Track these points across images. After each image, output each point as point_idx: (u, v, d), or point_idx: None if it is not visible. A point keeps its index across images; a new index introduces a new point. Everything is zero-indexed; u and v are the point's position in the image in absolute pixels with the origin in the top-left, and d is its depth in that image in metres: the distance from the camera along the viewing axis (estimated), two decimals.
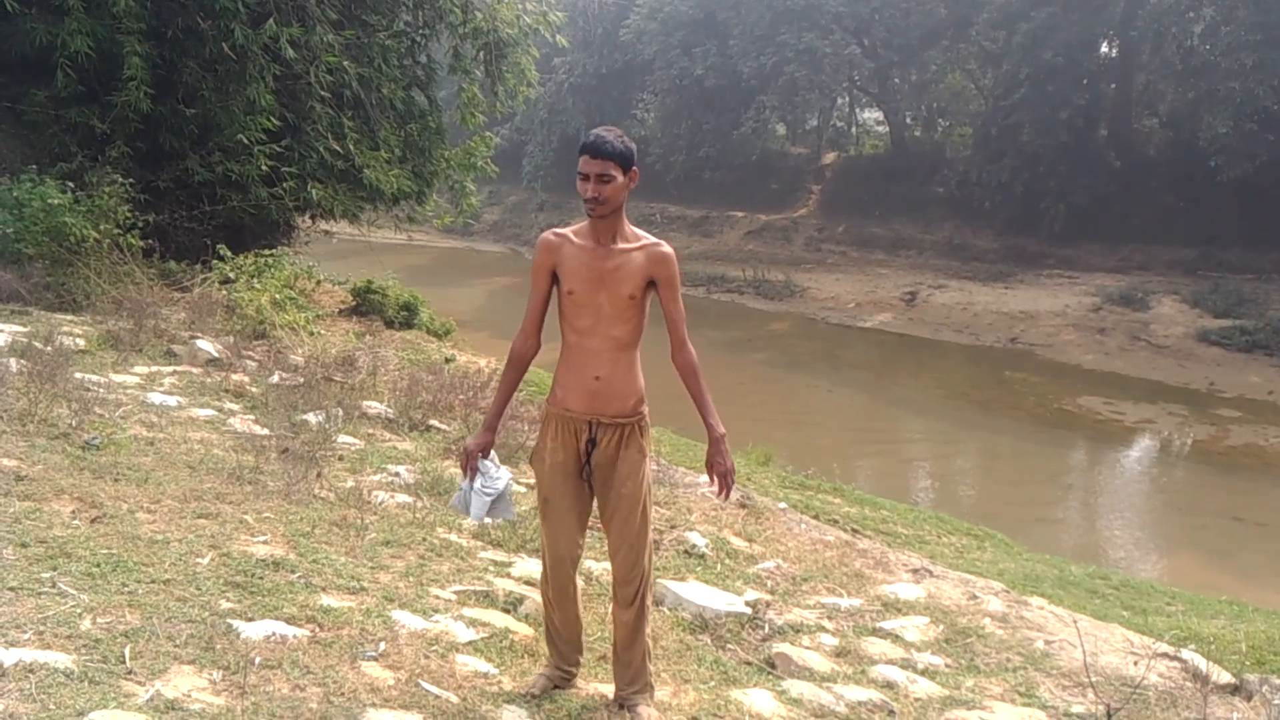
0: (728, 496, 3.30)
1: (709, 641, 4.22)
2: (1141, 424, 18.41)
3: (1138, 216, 27.99)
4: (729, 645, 4.24)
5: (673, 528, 5.66)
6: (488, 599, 4.06)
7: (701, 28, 34.93)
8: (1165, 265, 26.69)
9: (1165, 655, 4.65)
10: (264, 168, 10.58)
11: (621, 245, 3.18)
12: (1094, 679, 4.01)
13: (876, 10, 32.26)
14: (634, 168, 3.16)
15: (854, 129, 42.01)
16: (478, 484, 3.28)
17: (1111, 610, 6.45)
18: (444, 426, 7.02)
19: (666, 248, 3.22)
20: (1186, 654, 4.69)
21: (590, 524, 3.41)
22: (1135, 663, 4.39)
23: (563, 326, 3.28)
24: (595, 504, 3.31)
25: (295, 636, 3.29)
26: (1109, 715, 3.31)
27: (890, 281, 29.28)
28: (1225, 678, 4.48)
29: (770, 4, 32.03)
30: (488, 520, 3.40)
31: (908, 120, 37.79)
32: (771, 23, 32.15)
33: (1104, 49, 30.77)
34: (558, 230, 3.29)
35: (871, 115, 41.97)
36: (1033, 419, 18.57)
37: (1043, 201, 28.33)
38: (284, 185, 10.83)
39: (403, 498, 5.18)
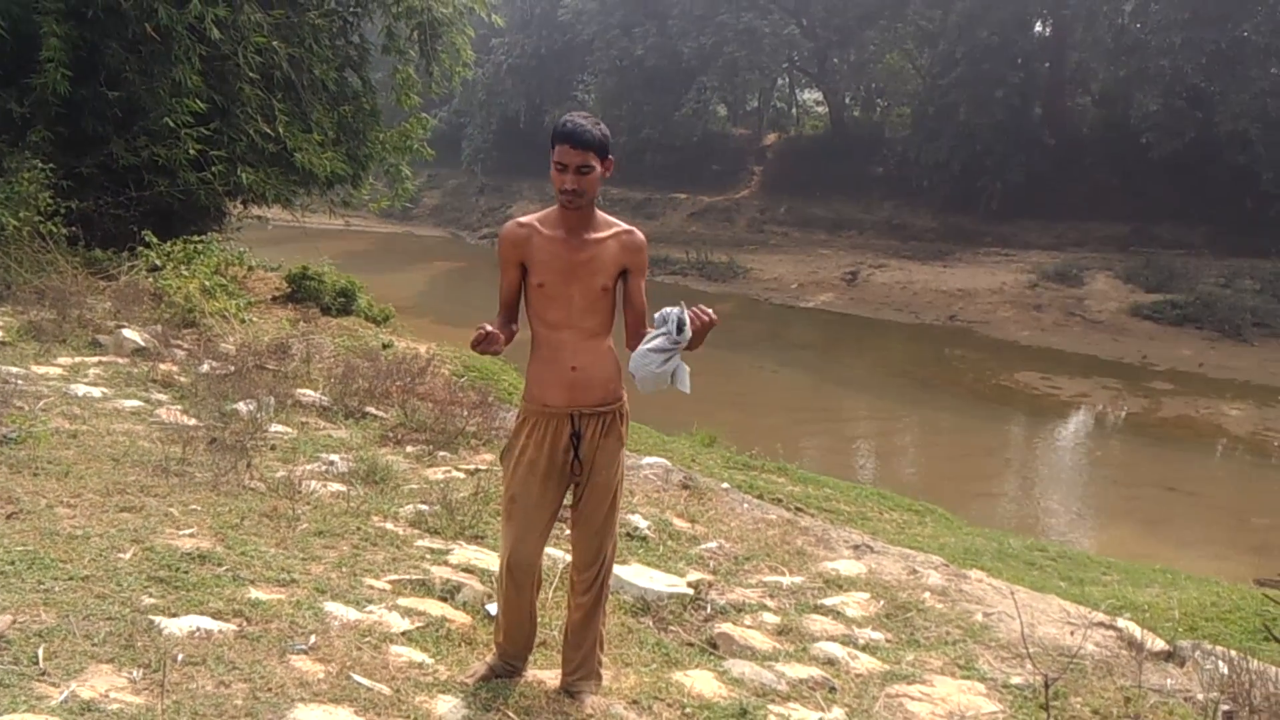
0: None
1: (651, 624, 4.18)
2: (1077, 398, 18.76)
3: (1072, 194, 28.48)
4: (671, 627, 4.21)
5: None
6: (424, 588, 3.98)
7: (640, 7, 34.78)
8: (1099, 242, 27.21)
9: (1101, 625, 4.71)
10: (192, 151, 10.28)
11: (593, 235, 3.05)
12: (1031, 650, 4.04)
13: None
14: (610, 157, 3.03)
15: (794, 109, 42.21)
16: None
17: (1049, 581, 6.55)
18: (381, 413, 6.89)
19: (639, 235, 3.11)
20: (1122, 623, 4.76)
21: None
22: (1072, 633, 4.44)
23: (531, 320, 3.14)
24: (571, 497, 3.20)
25: (221, 631, 3.19)
26: (1047, 685, 3.33)
27: (832, 261, 29.49)
28: (1159, 645, 4.55)
29: None
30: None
31: (847, 100, 38.04)
32: (710, 3, 32.14)
33: (1038, 28, 31.23)
34: (522, 220, 3.11)
35: (811, 96, 42.20)
36: (972, 395, 18.84)
37: (980, 180, 28.70)
38: (213, 169, 10.55)
39: (336, 487, 5.06)
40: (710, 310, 2.92)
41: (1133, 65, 26.59)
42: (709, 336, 2.98)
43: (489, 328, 2.93)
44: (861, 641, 4.25)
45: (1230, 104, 23.96)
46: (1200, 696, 3.82)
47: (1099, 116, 31.13)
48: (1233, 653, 4.22)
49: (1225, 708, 3.63)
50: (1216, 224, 25.71)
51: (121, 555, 3.66)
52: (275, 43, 10.94)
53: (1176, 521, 12.29)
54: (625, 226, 3.11)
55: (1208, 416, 17.36)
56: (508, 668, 3.31)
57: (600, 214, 3.11)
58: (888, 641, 4.31)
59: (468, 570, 4.27)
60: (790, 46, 33.23)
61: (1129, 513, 12.60)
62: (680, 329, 2.87)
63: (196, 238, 10.11)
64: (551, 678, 3.40)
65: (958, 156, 28.69)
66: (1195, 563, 9.71)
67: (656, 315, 2.96)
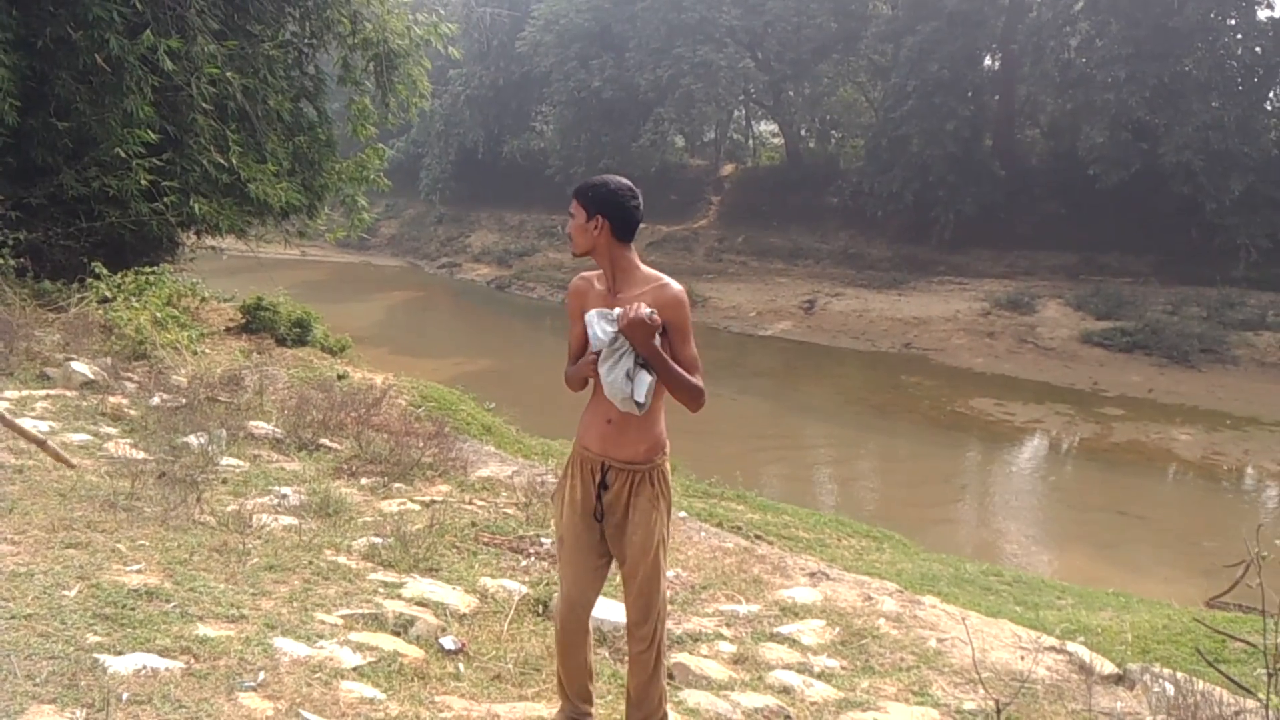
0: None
1: (607, 655, 4.16)
2: (1031, 424, 19.00)
3: (1022, 224, 29.01)
4: (627, 658, 4.19)
5: None
6: (376, 622, 3.94)
7: (598, 40, 35.01)
8: (1049, 270, 27.69)
9: (1053, 649, 4.77)
10: (144, 182, 10.17)
11: (633, 290, 3.06)
12: (984, 675, 4.08)
13: (769, 24, 32.77)
14: (599, 214, 3.08)
15: (750, 141, 42.63)
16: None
17: (1004, 606, 6.61)
18: (335, 445, 6.83)
19: (675, 288, 3.07)
20: (1072, 647, 4.82)
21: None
22: (1023, 657, 4.49)
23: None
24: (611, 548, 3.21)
25: (168, 669, 3.14)
26: (999, 710, 3.36)
27: (789, 290, 29.74)
28: (1109, 668, 4.61)
29: (665, 17, 32.29)
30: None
31: (802, 133, 38.51)
32: (667, 35, 32.43)
33: (987, 62, 31.86)
34: (585, 275, 3.21)
35: (767, 127, 42.66)
36: (928, 422, 19.02)
37: (932, 210, 29.12)
38: (165, 200, 10.43)
39: (288, 520, 5.00)
40: (646, 309, 2.95)
41: (1079, 98, 27.20)
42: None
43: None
44: (817, 669, 4.26)
45: (1174, 136, 24.56)
46: (1148, 719, 3.86)
47: (1047, 148, 31.77)
48: (1180, 675, 4.29)
49: None
50: (1163, 253, 26.28)
51: (66, 592, 3.59)
52: (229, 73, 10.88)
53: (1129, 545, 12.46)
54: (662, 281, 3.09)
55: (1158, 441, 17.66)
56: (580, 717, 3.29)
57: (643, 269, 3.13)
58: (843, 669, 4.33)
59: (421, 604, 4.23)
60: (746, 79, 33.59)
61: (1082, 537, 12.75)
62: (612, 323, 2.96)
63: (148, 269, 9.99)
64: (505, 711, 3.37)
65: (911, 187, 29.10)
66: (1147, 586, 9.84)
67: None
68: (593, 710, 3.33)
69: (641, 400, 2.98)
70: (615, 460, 3.10)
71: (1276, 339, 22.49)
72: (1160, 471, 16.37)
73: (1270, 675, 2.42)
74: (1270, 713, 2.41)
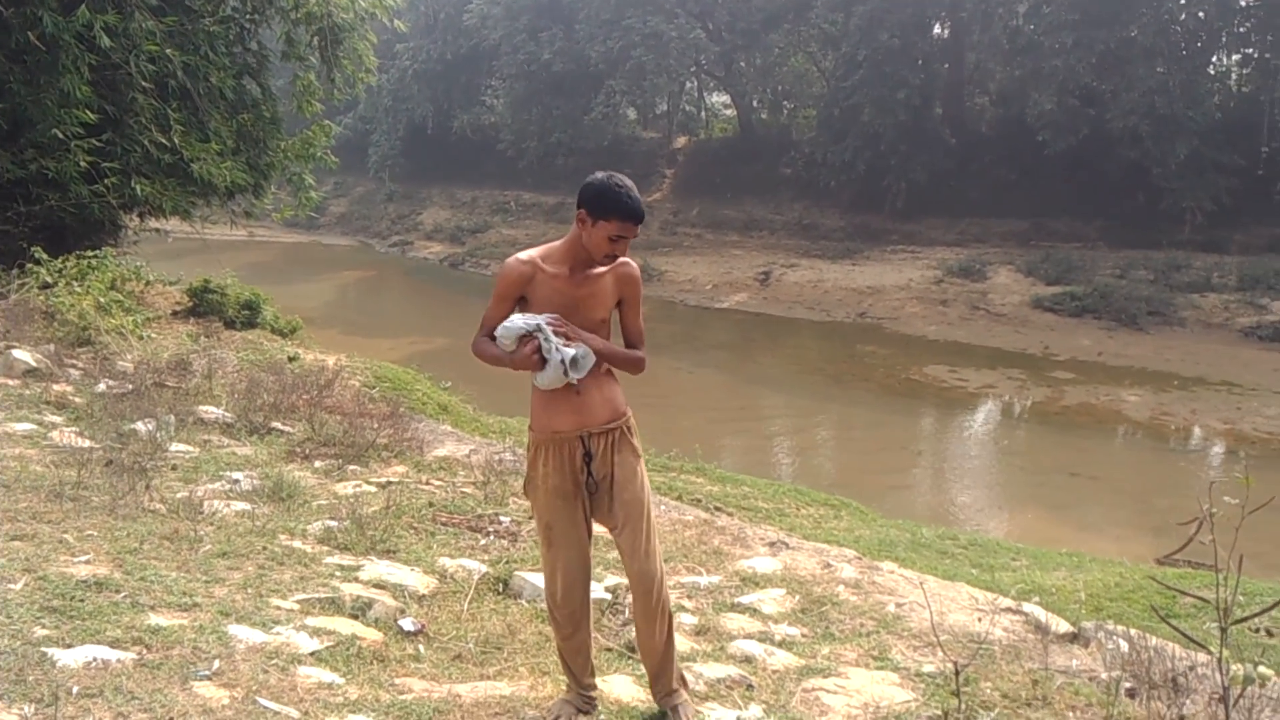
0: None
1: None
2: (984, 389, 19.26)
3: (973, 191, 29.27)
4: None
5: (531, 518, 5.56)
6: (334, 606, 3.89)
7: (547, 12, 34.69)
8: (1000, 237, 28.00)
9: (1009, 610, 4.83)
10: (83, 164, 9.92)
11: (594, 271, 3.11)
12: (942, 638, 4.11)
13: None
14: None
15: (703, 113, 42.56)
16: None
17: (961, 569, 6.70)
18: (287, 428, 6.73)
19: (633, 267, 3.20)
20: (1028, 607, 4.89)
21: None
22: (980, 619, 4.54)
23: None
24: (602, 519, 3.22)
25: (119, 661, 3.07)
26: (957, 672, 3.39)
27: (745, 262, 29.80)
28: (1064, 628, 4.68)
29: None
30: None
31: (754, 103, 38.48)
32: (617, 7, 32.20)
33: (936, 30, 32.03)
34: (524, 257, 3.13)
35: (719, 99, 42.62)
36: (883, 390, 19.21)
37: (884, 179, 29.29)
38: (106, 182, 10.19)
39: (241, 505, 4.92)
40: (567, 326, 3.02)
41: (1027, 65, 27.44)
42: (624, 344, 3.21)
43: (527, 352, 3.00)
44: (778, 638, 4.28)
45: (1120, 101, 24.88)
46: (1104, 675, 3.93)
47: (997, 115, 32.05)
48: (1133, 632, 4.36)
49: (1127, 685, 3.74)
50: (1111, 218, 26.67)
51: (12, 586, 3.50)
52: (169, 50, 10.61)
53: (1082, 506, 12.69)
54: (620, 259, 3.15)
55: (1108, 403, 17.97)
56: (585, 700, 3.28)
57: None
58: (803, 636, 4.35)
59: (379, 586, 4.18)
60: (696, 50, 33.49)
61: (1036, 499, 12.97)
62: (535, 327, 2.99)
63: (90, 253, 9.76)
64: (466, 691, 3.34)
65: (863, 157, 29.23)
66: (1100, 545, 10.04)
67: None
68: (595, 688, 3.34)
69: (582, 377, 3.03)
70: (594, 428, 3.12)
71: (1222, 300, 22.95)
72: (1110, 433, 16.68)
73: (1222, 629, 2.46)
74: (1222, 665, 2.45)
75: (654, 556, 3.20)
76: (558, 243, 3.14)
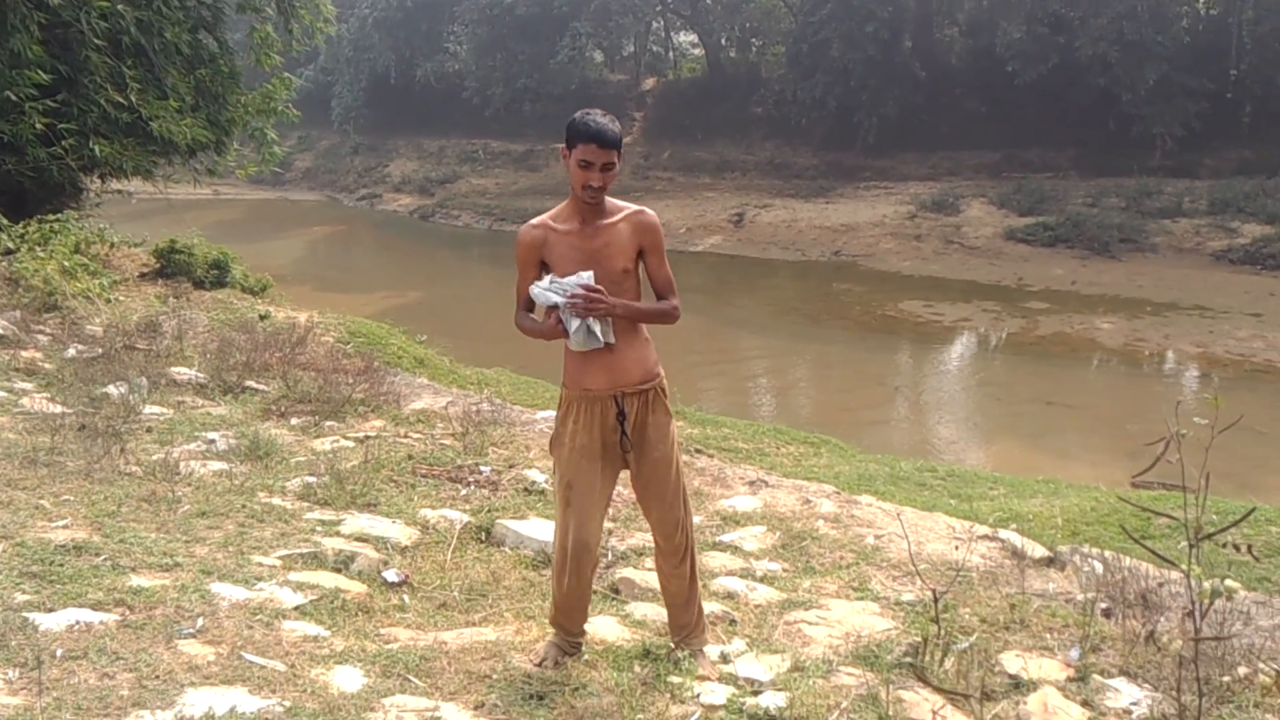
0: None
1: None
2: (959, 323, 19.36)
3: (945, 124, 29.16)
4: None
5: (511, 466, 5.58)
6: (316, 560, 3.90)
7: None
8: (972, 170, 27.97)
9: (986, 537, 4.90)
10: (39, 126, 9.69)
11: (605, 221, 3.10)
12: (920, 567, 4.17)
13: None
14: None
15: (671, 53, 42.01)
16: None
17: (939, 500, 6.77)
18: (261, 386, 6.70)
19: (650, 214, 3.19)
20: (1005, 534, 4.96)
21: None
22: (958, 547, 4.60)
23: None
24: (630, 475, 3.24)
25: (102, 622, 3.07)
26: (936, 599, 3.44)
27: (718, 204, 29.66)
28: (1040, 552, 4.76)
29: None
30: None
31: (722, 42, 38.01)
32: None
33: None
34: (535, 222, 3.16)
35: (687, 38, 42.03)
36: (860, 327, 19.27)
37: (855, 115, 29.11)
38: (64, 144, 9.97)
39: (218, 465, 4.90)
40: (593, 289, 2.98)
41: None
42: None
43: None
44: (759, 573, 4.33)
45: (1089, 29, 24.75)
46: (1080, 597, 4.00)
47: (966, 46, 31.82)
48: (1108, 554, 4.44)
49: (1103, 605, 3.81)
50: (1082, 146, 26.67)
51: None
52: (120, 6, 10.34)
53: (1057, 434, 12.83)
54: (635, 208, 3.17)
55: (1082, 332, 18.11)
56: (572, 644, 3.29)
57: (610, 200, 3.15)
58: (784, 571, 4.40)
59: (361, 539, 4.19)
60: None
61: (1013, 429, 13.10)
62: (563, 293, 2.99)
63: (52, 217, 9.61)
64: (452, 638, 3.37)
65: (833, 93, 29.01)
66: (1076, 471, 10.16)
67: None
68: (584, 634, 3.36)
69: (612, 341, 3.06)
70: (627, 387, 3.12)
71: (1193, 225, 23.08)
72: (1085, 361, 16.84)
73: (1191, 547, 2.50)
74: (1191, 582, 2.50)
75: (679, 510, 3.24)
76: (565, 202, 3.15)
